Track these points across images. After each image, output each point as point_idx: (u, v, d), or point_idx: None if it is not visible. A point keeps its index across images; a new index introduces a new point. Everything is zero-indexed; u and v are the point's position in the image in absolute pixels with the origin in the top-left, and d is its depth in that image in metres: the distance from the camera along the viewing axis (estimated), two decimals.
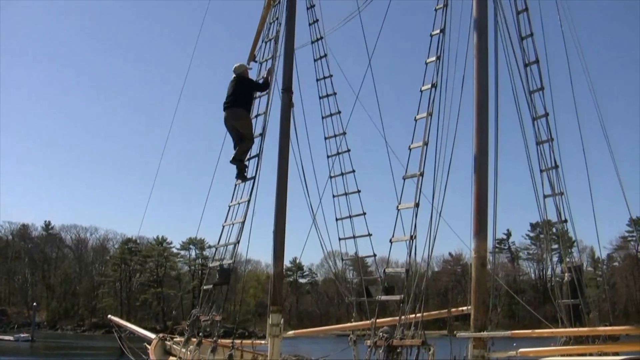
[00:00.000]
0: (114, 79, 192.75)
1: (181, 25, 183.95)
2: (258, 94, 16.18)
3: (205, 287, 15.45)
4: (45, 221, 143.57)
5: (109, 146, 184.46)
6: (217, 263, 15.45)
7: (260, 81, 16.21)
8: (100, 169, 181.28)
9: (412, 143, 11.50)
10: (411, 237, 11.06)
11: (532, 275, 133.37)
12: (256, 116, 15.93)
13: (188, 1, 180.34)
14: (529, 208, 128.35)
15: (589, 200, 12.37)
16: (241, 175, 15.59)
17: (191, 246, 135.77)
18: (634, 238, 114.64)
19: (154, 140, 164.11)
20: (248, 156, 15.64)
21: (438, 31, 11.92)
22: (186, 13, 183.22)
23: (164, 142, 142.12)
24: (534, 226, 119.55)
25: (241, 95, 15.65)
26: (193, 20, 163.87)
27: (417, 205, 11.09)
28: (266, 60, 16.20)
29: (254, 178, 15.27)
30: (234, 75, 15.91)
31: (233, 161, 15.64)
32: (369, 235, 15.00)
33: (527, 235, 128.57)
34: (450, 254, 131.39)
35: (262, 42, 16.55)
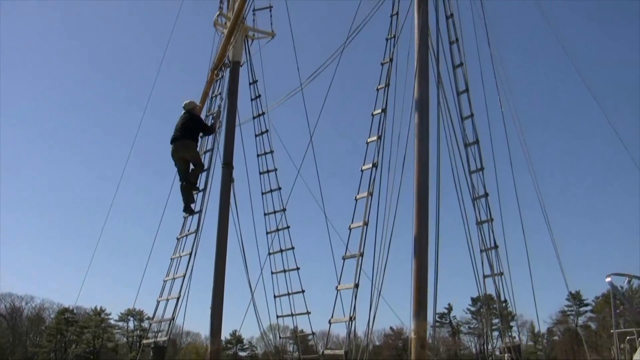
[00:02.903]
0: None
1: (132, 80, 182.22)
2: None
3: None
4: None
5: (45, 210, 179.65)
6: (152, 340, 14.98)
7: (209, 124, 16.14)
8: (37, 236, 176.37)
9: (352, 223, 11.39)
10: (350, 318, 10.85)
11: (473, 349, 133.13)
12: (197, 193, 15.69)
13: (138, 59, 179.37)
14: (470, 282, 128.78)
15: (529, 276, 12.38)
16: (188, 208, 15.40)
17: (130, 317, 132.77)
18: (572, 312, 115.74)
19: (93, 207, 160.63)
20: (186, 232, 15.31)
21: (379, 111, 11.96)
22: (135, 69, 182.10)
23: (101, 210, 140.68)
24: (474, 300, 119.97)
25: (189, 129, 15.54)
26: (145, 76, 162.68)
27: (356, 286, 10.92)
28: (206, 137, 16.05)
29: (190, 254, 14.87)
30: (183, 111, 15.80)
31: (187, 184, 15.43)
32: (308, 313, 14.79)
33: (468, 309, 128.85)
34: (391, 327, 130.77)
35: (205, 115, 16.46)
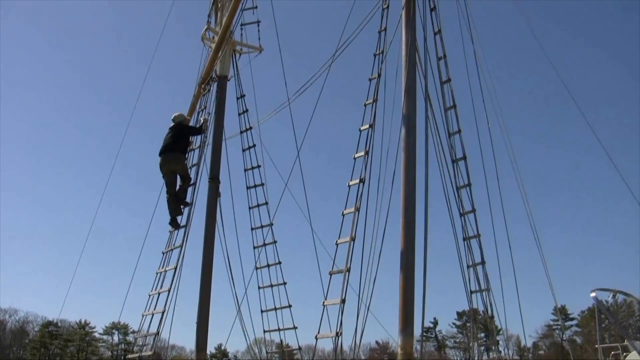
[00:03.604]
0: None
1: (120, 94, 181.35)
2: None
3: None
4: None
5: (28, 223, 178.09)
6: (137, 354, 14.91)
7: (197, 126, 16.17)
8: (21, 248, 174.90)
9: (339, 238, 11.36)
10: (337, 333, 10.82)
11: None
12: (184, 208, 15.58)
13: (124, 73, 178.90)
14: (455, 297, 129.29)
15: (514, 290, 12.38)
16: (174, 222, 15.38)
17: (114, 331, 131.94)
18: (558, 327, 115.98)
19: (77, 220, 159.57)
20: (172, 246, 15.24)
21: (367, 126, 11.96)
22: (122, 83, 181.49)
23: (85, 223, 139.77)
24: (460, 314, 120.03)
25: (179, 141, 15.54)
26: (133, 89, 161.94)
27: (343, 301, 10.88)
28: (193, 150, 16.03)
29: (176, 268, 14.79)
30: (172, 124, 15.81)
31: (175, 199, 15.41)
32: (295, 328, 14.75)
33: (454, 323, 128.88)
34: (377, 342, 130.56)
35: None
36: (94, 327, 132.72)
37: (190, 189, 15.61)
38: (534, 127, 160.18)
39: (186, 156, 15.82)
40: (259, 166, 16.03)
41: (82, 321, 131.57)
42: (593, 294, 16.07)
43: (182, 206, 15.39)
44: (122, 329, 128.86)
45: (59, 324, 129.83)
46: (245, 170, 16.12)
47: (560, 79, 15.14)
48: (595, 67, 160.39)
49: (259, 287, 15.23)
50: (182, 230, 15.18)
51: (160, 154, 15.49)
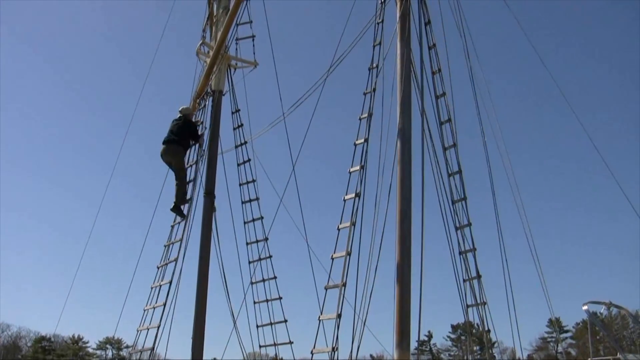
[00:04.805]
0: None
1: (114, 108, 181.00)
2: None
3: None
4: None
5: (22, 238, 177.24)
6: None
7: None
8: (13, 263, 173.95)
9: (334, 252, 11.36)
10: (333, 348, 10.80)
11: None
12: (179, 222, 15.63)
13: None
14: (449, 310, 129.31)
15: (510, 303, 12.37)
16: (177, 208, 15.50)
17: (108, 346, 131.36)
18: (553, 339, 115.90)
19: (71, 234, 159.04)
20: (166, 260, 15.20)
21: (362, 140, 11.97)
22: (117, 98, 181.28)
23: (80, 233, 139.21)
24: (455, 327, 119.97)
25: (182, 134, 15.60)
26: (128, 103, 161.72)
27: (339, 316, 10.86)
28: (191, 166, 16.04)
29: (171, 282, 14.74)
30: (179, 115, 15.86)
31: (175, 206, 15.48)
32: (290, 343, 14.77)
33: (448, 336, 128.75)
34: (371, 355, 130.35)
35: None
36: (87, 342, 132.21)
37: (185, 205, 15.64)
38: (530, 137, 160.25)
39: (187, 151, 15.91)
40: (254, 181, 16.05)
41: (76, 336, 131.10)
42: (585, 307, 16.09)
43: (182, 204, 15.44)
44: (116, 344, 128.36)
45: (52, 339, 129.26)
46: (240, 184, 16.14)
47: (559, 89, 15.20)
48: (593, 74, 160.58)
49: (255, 302, 15.22)
50: (177, 245, 15.17)
51: (163, 143, 15.59)
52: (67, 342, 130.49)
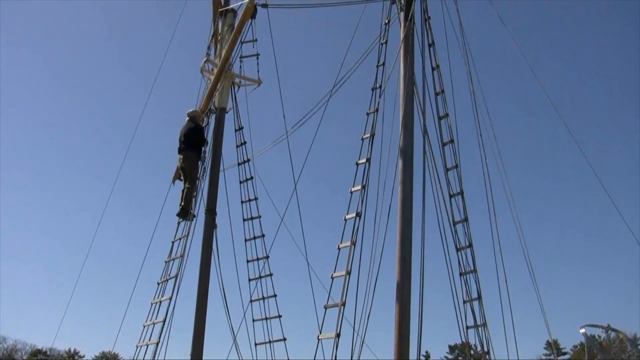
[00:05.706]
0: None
1: (117, 123, 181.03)
2: None
3: None
4: None
5: (20, 250, 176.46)
6: None
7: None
8: (9, 274, 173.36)
9: (335, 272, 11.35)
10: None
11: None
12: (179, 238, 15.63)
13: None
14: (447, 330, 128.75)
15: (509, 324, 12.33)
16: (184, 212, 15.56)
17: None
18: None
19: (68, 248, 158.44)
20: (167, 277, 15.19)
21: (364, 160, 12.00)
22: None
23: (78, 247, 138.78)
24: (452, 348, 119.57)
25: (192, 139, 15.69)
26: (130, 119, 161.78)
27: (338, 335, 10.84)
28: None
29: (170, 298, 14.76)
30: (187, 119, 15.93)
31: (181, 211, 15.55)
32: None
33: (446, 357, 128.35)
34: None
35: None
36: (83, 356, 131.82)
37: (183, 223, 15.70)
38: (530, 159, 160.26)
39: (200, 154, 15.98)
40: (256, 199, 16.06)
41: (72, 350, 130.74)
42: (583, 330, 16.01)
43: (186, 218, 15.55)
44: (112, 358, 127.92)
45: (48, 353, 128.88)
46: (242, 202, 16.15)
47: (558, 115, 15.22)
48: (593, 98, 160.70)
49: (254, 320, 15.17)
50: (177, 261, 15.17)
51: (179, 153, 15.78)
52: (63, 356, 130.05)
